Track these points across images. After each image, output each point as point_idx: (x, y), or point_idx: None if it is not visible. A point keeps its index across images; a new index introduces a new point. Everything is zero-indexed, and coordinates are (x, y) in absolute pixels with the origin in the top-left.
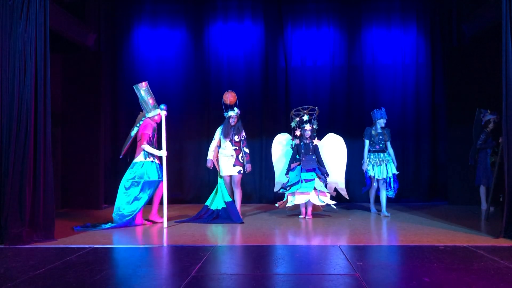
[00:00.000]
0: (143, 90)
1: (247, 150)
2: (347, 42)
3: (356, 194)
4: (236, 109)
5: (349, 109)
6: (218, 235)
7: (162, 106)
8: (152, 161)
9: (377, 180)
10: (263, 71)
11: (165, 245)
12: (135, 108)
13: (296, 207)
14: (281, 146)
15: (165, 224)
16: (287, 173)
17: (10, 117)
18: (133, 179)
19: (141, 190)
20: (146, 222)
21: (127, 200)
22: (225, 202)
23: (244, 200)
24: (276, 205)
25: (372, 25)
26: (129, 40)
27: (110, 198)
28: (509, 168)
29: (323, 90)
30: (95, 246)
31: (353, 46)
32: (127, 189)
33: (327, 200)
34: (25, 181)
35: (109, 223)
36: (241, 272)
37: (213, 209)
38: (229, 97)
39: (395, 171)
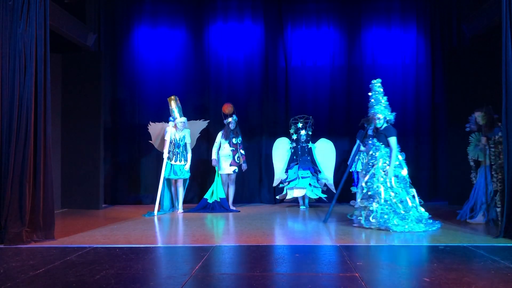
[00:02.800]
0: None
1: (243, 151)
2: (347, 42)
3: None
4: (234, 116)
5: (349, 109)
6: (218, 235)
7: (171, 119)
8: (167, 162)
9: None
10: (263, 71)
11: (165, 245)
12: (135, 108)
13: (294, 198)
14: (280, 149)
15: (155, 212)
16: (286, 171)
17: (10, 117)
18: None
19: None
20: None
21: None
22: (220, 198)
23: (245, 200)
24: (277, 197)
25: (372, 25)
26: (129, 40)
27: (110, 198)
28: (509, 168)
29: (323, 90)
30: (95, 246)
31: (353, 46)
32: None
33: (319, 193)
34: (25, 181)
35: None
36: (241, 272)
37: (210, 202)
38: (228, 107)
39: None
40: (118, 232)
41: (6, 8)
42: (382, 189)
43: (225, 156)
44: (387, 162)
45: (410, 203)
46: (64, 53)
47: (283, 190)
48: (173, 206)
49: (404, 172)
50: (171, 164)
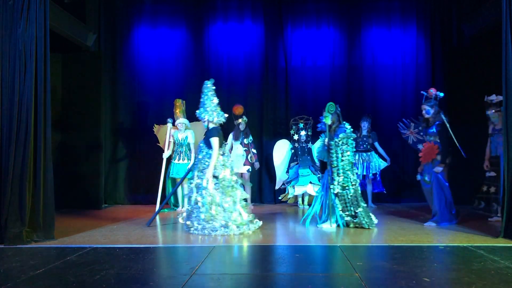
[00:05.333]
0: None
1: (254, 150)
2: (347, 42)
3: None
4: (244, 117)
5: (349, 109)
6: (219, 235)
7: (169, 120)
8: (172, 162)
9: (362, 176)
10: (263, 71)
11: (165, 245)
12: (135, 108)
13: (295, 198)
14: (281, 151)
15: (156, 209)
16: (287, 171)
17: (10, 117)
18: None
19: None
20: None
21: None
22: None
23: None
24: (280, 198)
25: (372, 25)
26: (129, 40)
27: (110, 198)
28: (509, 168)
29: (323, 90)
30: (95, 246)
31: (353, 46)
32: None
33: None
34: (25, 181)
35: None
36: (241, 272)
37: None
38: (238, 108)
39: (375, 170)
40: (118, 232)
41: (6, 8)
42: (194, 191)
43: (238, 156)
44: (207, 163)
45: (225, 206)
46: (64, 53)
47: (285, 191)
48: (176, 205)
49: (225, 174)
50: (176, 164)
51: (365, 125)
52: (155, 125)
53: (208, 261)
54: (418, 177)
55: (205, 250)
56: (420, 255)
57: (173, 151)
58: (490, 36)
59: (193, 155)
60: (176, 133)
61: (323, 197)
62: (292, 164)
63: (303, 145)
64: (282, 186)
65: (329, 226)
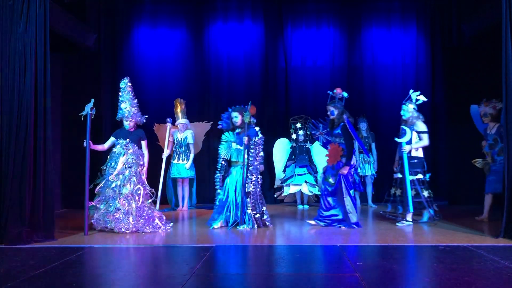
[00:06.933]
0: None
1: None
2: (347, 42)
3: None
4: (253, 119)
5: (349, 109)
6: (218, 235)
7: (169, 120)
8: (172, 162)
9: (363, 176)
10: (263, 71)
11: (165, 245)
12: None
13: (294, 198)
14: (280, 150)
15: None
16: (284, 170)
17: (10, 117)
18: None
19: None
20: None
21: None
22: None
23: None
24: (275, 195)
25: (372, 25)
26: (129, 40)
27: None
28: (509, 168)
29: (323, 90)
30: (94, 246)
31: (353, 46)
32: None
33: (315, 191)
34: (25, 181)
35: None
36: (241, 272)
37: None
38: (252, 109)
39: (372, 171)
40: (118, 232)
41: (6, 8)
42: (131, 185)
43: None
44: (141, 162)
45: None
46: (64, 53)
47: (281, 189)
48: (176, 205)
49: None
50: (175, 164)
51: (364, 126)
52: (155, 124)
53: (208, 261)
54: (320, 177)
55: (205, 250)
56: (420, 255)
57: (172, 150)
58: (490, 36)
59: (192, 155)
60: (175, 133)
61: (232, 195)
62: (288, 163)
63: (301, 144)
64: (280, 184)
65: (219, 225)
